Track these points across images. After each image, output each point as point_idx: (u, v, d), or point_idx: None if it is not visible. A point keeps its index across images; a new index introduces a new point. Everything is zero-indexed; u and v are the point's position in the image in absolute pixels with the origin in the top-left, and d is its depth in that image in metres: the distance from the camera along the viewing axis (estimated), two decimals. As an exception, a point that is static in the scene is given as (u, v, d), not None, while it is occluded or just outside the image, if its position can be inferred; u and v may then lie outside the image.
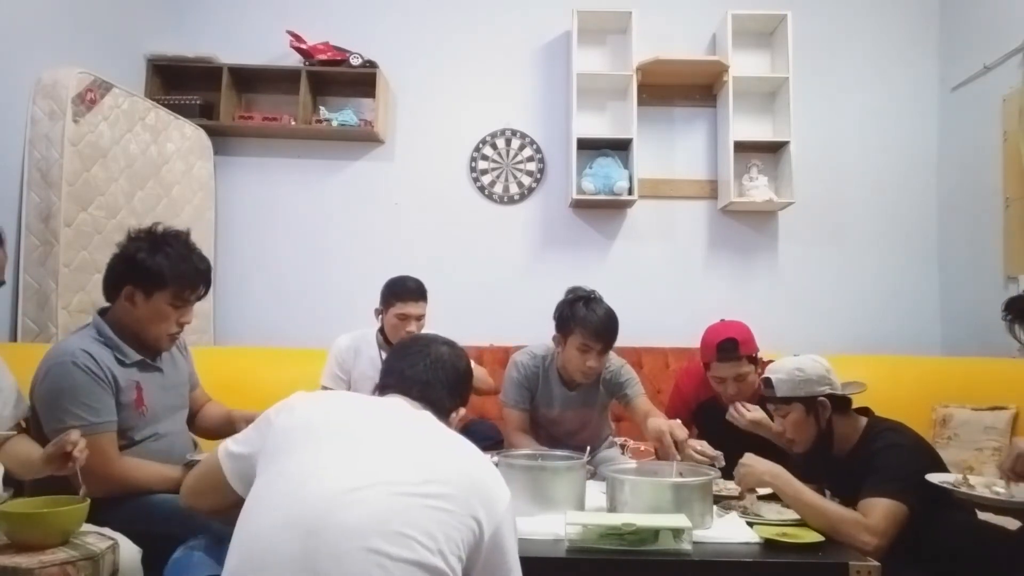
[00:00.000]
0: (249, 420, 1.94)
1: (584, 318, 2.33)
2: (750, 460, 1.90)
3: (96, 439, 1.69)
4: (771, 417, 2.11)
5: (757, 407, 2.23)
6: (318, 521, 1.08)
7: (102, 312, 1.91)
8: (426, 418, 1.30)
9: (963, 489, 1.72)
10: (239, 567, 1.11)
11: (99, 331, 1.84)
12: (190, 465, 1.87)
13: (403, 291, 2.64)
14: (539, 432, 2.50)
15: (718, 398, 2.41)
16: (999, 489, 1.74)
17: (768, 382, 2.00)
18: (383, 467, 1.15)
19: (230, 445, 1.30)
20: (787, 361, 2.02)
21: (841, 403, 1.98)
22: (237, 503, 1.22)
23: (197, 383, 2.19)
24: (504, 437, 2.60)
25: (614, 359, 2.52)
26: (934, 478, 1.74)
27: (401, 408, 1.31)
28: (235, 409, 2.14)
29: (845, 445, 1.96)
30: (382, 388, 1.42)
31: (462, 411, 1.47)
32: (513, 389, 2.48)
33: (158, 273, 1.81)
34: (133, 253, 1.83)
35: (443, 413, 1.37)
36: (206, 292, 1.95)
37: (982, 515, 1.83)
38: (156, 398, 1.90)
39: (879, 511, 1.68)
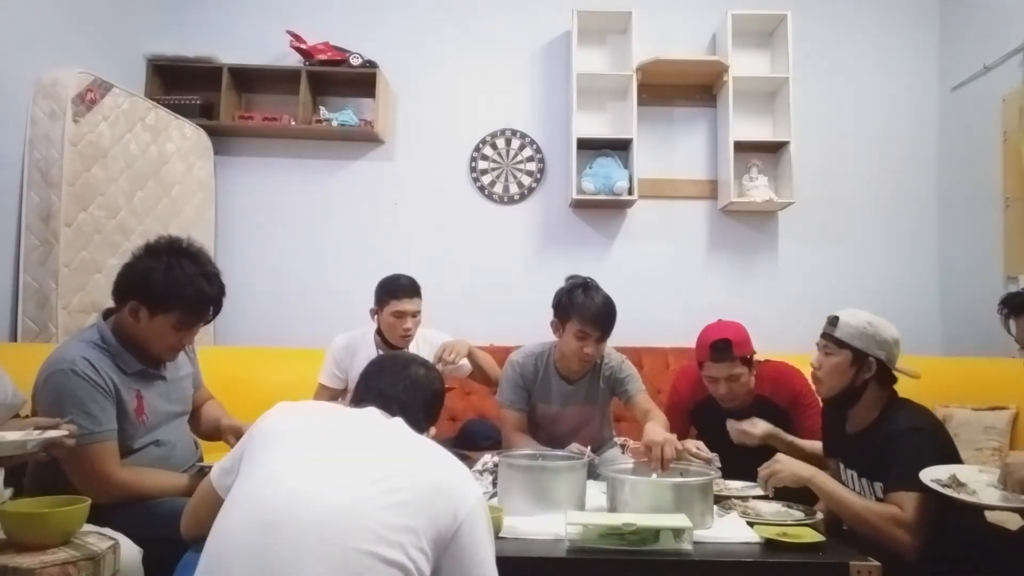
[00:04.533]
0: (237, 434, 1.93)
1: (582, 305, 2.33)
2: (784, 459, 1.89)
3: (97, 447, 1.68)
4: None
5: (760, 420, 2.22)
6: (277, 516, 1.10)
7: (107, 314, 1.86)
8: (397, 423, 1.32)
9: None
10: (205, 565, 1.13)
11: (102, 336, 1.79)
12: (197, 472, 1.87)
13: (397, 288, 2.64)
14: (539, 432, 2.49)
15: (714, 398, 2.40)
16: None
17: (835, 319, 1.94)
18: (347, 466, 1.17)
19: (218, 468, 1.34)
20: (864, 313, 1.96)
21: (886, 378, 1.92)
22: None
23: (200, 383, 2.16)
24: (502, 437, 2.60)
25: (614, 355, 2.51)
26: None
27: (373, 415, 1.33)
28: (225, 418, 2.10)
29: (864, 417, 1.92)
30: (358, 402, 1.43)
31: (433, 431, 1.49)
32: (509, 389, 2.48)
33: (164, 296, 1.75)
34: (145, 270, 1.76)
35: (417, 431, 1.38)
36: (214, 316, 1.88)
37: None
38: (157, 406, 1.86)
39: (911, 505, 1.68)
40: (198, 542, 1.37)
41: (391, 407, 1.37)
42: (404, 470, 1.17)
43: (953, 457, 1.85)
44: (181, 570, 1.46)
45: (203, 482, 1.38)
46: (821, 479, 1.82)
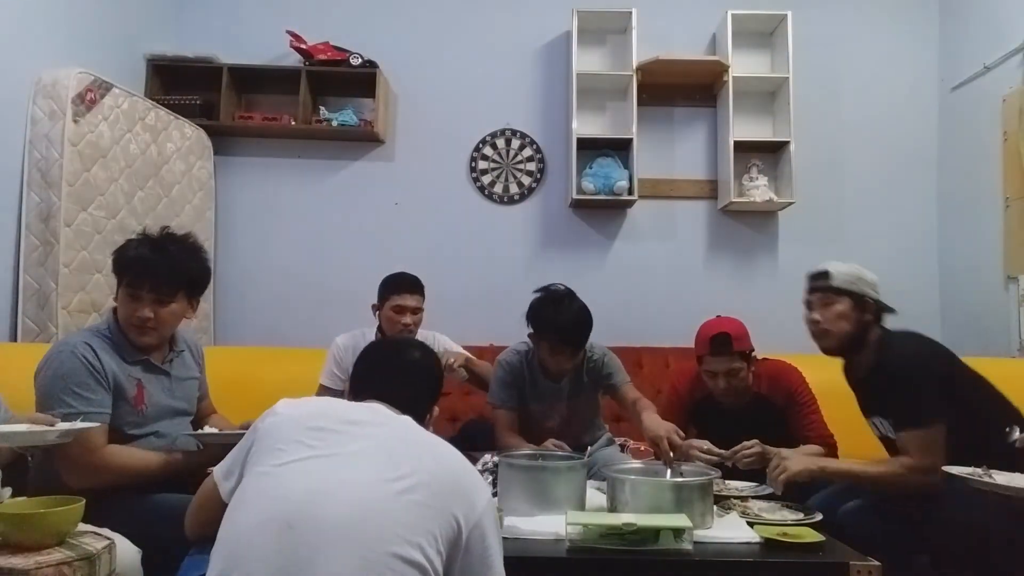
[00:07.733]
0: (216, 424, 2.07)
1: (550, 323, 2.36)
2: (788, 455, 1.94)
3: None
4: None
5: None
6: (296, 515, 1.09)
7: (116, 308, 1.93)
8: (406, 421, 1.31)
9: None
10: (219, 565, 1.11)
11: (109, 326, 1.88)
12: (187, 454, 1.88)
13: (400, 283, 2.69)
14: (532, 431, 2.49)
15: (713, 397, 2.40)
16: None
17: (825, 273, 2.06)
18: (362, 464, 1.17)
19: (221, 470, 1.32)
20: (842, 263, 2.10)
21: (879, 317, 2.06)
22: None
23: (206, 394, 2.20)
24: (496, 438, 2.59)
25: (597, 348, 2.53)
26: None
27: (381, 411, 1.32)
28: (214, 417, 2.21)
29: (867, 360, 2.03)
30: (356, 394, 1.42)
31: (436, 410, 1.49)
32: (499, 389, 2.49)
33: (120, 256, 1.88)
34: (126, 242, 1.92)
35: (421, 417, 1.38)
36: (163, 293, 1.86)
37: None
38: (158, 399, 1.91)
39: (915, 445, 1.80)
40: (202, 542, 1.37)
41: (392, 398, 1.36)
42: (419, 469, 1.16)
43: (952, 380, 1.90)
44: (184, 573, 1.45)
45: (206, 483, 1.37)
46: (831, 466, 1.92)
